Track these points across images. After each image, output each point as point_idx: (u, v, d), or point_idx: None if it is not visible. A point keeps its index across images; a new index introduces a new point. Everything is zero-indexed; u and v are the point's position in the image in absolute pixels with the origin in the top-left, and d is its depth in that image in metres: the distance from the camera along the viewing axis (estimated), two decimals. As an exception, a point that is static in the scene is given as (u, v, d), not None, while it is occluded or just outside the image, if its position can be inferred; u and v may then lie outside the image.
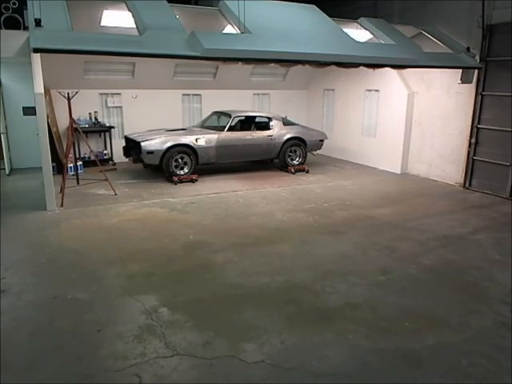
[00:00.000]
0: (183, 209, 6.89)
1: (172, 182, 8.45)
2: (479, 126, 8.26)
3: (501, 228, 6.30)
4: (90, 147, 8.07)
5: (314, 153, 10.46)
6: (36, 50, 5.64)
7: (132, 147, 8.72)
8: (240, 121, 9.67)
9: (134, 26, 6.63)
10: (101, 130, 10.05)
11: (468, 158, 8.50)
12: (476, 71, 8.20)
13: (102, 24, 7.86)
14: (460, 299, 4.17)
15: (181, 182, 8.49)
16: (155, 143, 8.34)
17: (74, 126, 7.39)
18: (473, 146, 8.39)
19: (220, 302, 4.03)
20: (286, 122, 9.96)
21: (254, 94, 11.86)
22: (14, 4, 8.47)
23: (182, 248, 5.31)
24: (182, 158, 8.58)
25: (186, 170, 8.66)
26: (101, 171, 7.71)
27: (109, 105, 10.20)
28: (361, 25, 8.79)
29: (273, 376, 3.01)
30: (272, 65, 7.88)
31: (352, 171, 10.07)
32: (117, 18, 7.58)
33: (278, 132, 9.60)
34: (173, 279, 4.50)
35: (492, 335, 3.56)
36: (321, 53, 7.01)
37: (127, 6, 6.91)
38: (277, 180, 9.01)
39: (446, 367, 3.13)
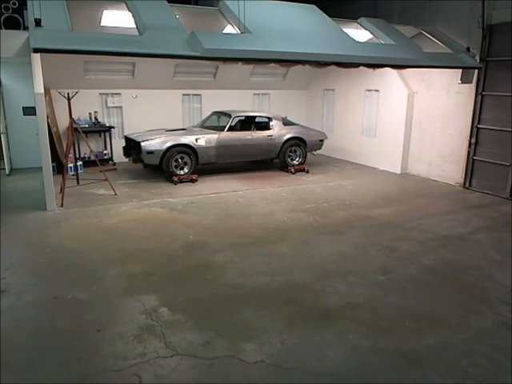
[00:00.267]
0: (183, 209, 6.89)
1: (172, 181, 8.45)
2: (479, 125, 8.26)
3: (501, 228, 6.30)
4: (90, 147, 8.07)
5: (314, 153, 10.46)
6: (36, 50, 5.64)
7: (132, 147, 8.72)
8: (240, 121, 9.67)
9: (134, 25, 6.63)
10: (101, 130, 10.05)
11: (468, 158, 8.50)
12: (476, 71, 8.20)
13: (102, 24, 7.86)
14: (460, 299, 4.17)
15: (181, 181, 8.49)
16: (155, 143, 8.35)
17: (74, 125, 7.39)
18: (473, 146, 8.39)
19: (220, 302, 4.03)
20: (286, 122, 9.95)
21: (254, 94, 11.86)
22: (13, 4, 8.47)
23: (182, 248, 5.31)
24: (182, 158, 8.58)
25: (185, 170, 8.66)
26: (101, 171, 7.71)
27: (109, 105, 10.20)
28: (361, 25, 8.79)
29: (273, 376, 3.01)
30: (272, 65, 7.88)
31: (352, 171, 10.07)
32: (117, 18, 7.58)
33: (277, 132, 9.60)
34: (173, 279, 4.50)
35: (492, 335, 3.56)
36: (321, 53, 7.01)
37: (127, 6, 6.91)
38: (277, 180, 9.01)
39: (446, 367, 3.13)
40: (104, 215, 6.48)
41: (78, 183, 8.01)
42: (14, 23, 8.42)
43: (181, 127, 9.87)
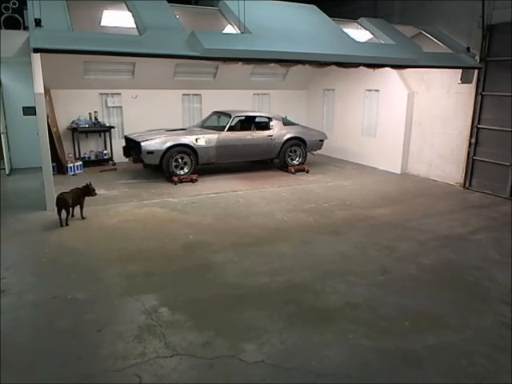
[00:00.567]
0: (183, 209, 6.89)
1: (172, 181, 8.45)
2: (479, 125, 8.26)
3: (501, 228, 6.29)
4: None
5: (314, 153, 10.46)
6: (36, 50, 5.64)
7: (132, 147, 8.72)
8: (240, 121, 9.67)
9: (134, 25, 6.63)
10: (101, 130, 10.03)
11: (468, 158, 8.50)
12: (476, 71, 8.20)
13: (102, 24, 7.87)
14: (460, 299, 4.17)
15: (181, 181, 8.49)
16: (155, 143, 8.34)
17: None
18: (473, 146, 8.39)
19: (220, 302, 4.03)
20: (286, 122, 9.95)
21: (254, 94, 11.86)
22: (14, 4, 8.47)
23: (182, 248, 5.31)
24: (181, 158, 8.58)
25: (185, 170, 8.66)
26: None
27: (109, 105, 10.19)
28: (361, 25, 8.79)
29: (273, 376, 3.01)
30: (272, 65, 7.88)
31: (352, 171, 10.07)
32: (117, 18, 7.59)
33: (277, 132, 9.60)
34: (173, 279, 4.49)
35: (492, 335, 3.56)
36: (321, 53, 7.01)
37: (127, 6, 6.91)
38: (277, 180, 9.01)
39: (446, 367, 3.13)
40: (104, 215, 6.48)
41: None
42: (14, 23, 8.42)
43: (181, 127, 9.87)
